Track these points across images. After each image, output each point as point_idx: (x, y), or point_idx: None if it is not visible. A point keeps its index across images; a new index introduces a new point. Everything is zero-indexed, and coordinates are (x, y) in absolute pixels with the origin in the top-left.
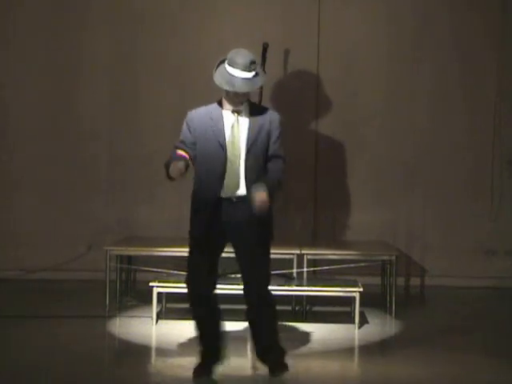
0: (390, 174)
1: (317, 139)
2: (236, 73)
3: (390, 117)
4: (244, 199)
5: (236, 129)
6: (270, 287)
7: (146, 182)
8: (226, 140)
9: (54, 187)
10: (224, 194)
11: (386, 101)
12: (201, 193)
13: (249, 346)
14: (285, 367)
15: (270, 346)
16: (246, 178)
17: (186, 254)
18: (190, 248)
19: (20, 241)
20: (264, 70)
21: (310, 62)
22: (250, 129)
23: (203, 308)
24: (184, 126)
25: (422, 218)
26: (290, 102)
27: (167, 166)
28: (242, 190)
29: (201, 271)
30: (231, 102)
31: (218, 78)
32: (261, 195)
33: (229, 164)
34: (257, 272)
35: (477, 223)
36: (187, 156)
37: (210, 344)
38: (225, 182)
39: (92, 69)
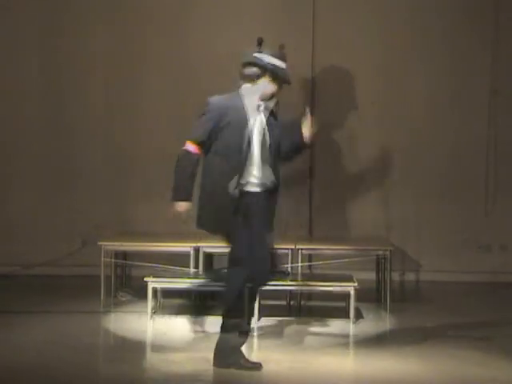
0: (384, 170)
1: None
2: (285, 66)
3: (385, 113)
4: (269, 188)
5: (263, 121)
6: None
7: (141, 177)
8: (254, 132)
9: (50, 183)
10: (252, 185)
11: (382, 97)
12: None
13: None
14: None
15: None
16: (273, 169)
17: (180, 250)
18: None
19: (15, 236)
20: None
21: (305, 56)
22: (272, 124)
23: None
24: (207, 115)
25: (416, 213)
26: (286, 97)
27: (178, 182)
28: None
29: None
30: (275, 95)
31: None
32: (309, 124)
33: (263, 153)
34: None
35: (471, 218)
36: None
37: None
38: (260, 172)
39: (89, 67)
